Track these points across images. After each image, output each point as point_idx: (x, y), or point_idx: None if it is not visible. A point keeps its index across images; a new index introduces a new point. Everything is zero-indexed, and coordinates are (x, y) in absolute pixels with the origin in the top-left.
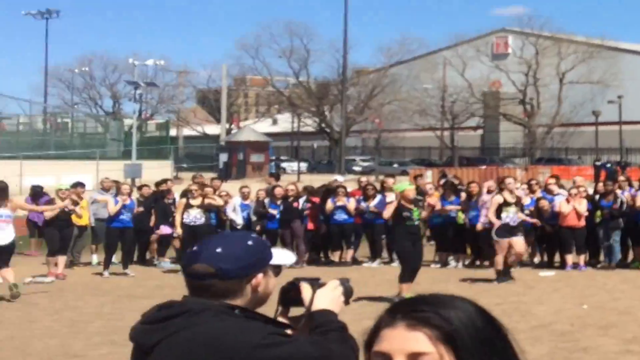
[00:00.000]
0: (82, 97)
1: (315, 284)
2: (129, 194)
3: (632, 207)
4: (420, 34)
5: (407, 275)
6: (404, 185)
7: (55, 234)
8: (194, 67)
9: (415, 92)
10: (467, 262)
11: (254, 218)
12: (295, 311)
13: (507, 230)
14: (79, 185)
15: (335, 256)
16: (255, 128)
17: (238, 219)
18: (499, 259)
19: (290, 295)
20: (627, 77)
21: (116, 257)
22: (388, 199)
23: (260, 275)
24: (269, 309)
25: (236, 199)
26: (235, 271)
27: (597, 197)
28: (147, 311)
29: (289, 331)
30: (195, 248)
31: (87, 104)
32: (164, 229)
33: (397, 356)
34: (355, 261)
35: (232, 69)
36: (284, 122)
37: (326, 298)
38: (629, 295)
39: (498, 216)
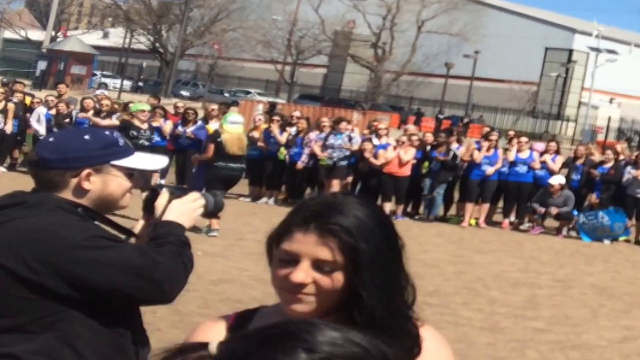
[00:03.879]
0: None
1: (176, 193)
2: None
3: (466, 162)
4: None
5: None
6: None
7: None
8: None
9: (263, 23)
10: (280, 199)
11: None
12: None
13: None
14: None
15: None
16: (83, 39)
17: (41, 129)
18: None
19: (150, 201)
20: (488, 32)
21: None
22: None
23: (86, 172)
24: None
25: (41, 108)
26: (54, 162)
27: (428, 147)
28: None
29: (132, 240)
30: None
31: None
32: None
33: (304, 258)
34: (160, 186)
35: None
36: (116, 37)
37: (178, 210)
38: (441, 249)
39: None
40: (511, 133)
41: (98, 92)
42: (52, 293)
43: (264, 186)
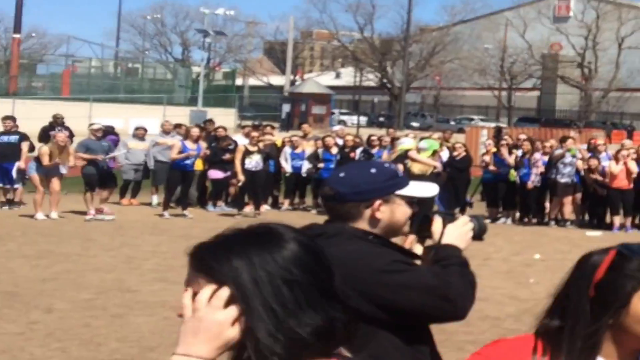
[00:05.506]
0: (152, 44)
1: (448, 218)
2: (197, 139)
3: None
4: None
5: None
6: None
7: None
8: (262, 19)
9: (476, 52)
10: (516, 219)
11: (308, 166)
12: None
13: None
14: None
15: None
16: (319, 81)
17: (287, 167)
18: None
19: (424, 227)
20: None
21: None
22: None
23: (378, 202)
24: None
25: (286, 148)
26: (350, 195)
27: None
28: None
29: (416, 261)
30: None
31: (158, 51)
32: (214, 174)
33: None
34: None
35: (299, 22)
36: (347, 76)
37: (454, 233)
38: None
39: None
40: None
41: (337, 127)
42: (364, 316)
43: (501, 207)
